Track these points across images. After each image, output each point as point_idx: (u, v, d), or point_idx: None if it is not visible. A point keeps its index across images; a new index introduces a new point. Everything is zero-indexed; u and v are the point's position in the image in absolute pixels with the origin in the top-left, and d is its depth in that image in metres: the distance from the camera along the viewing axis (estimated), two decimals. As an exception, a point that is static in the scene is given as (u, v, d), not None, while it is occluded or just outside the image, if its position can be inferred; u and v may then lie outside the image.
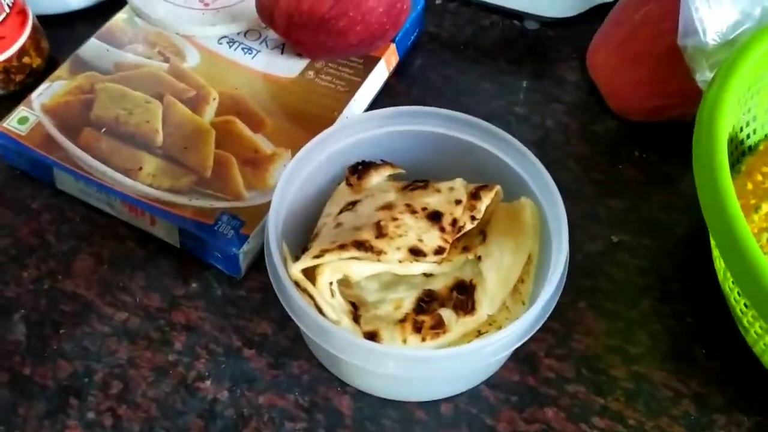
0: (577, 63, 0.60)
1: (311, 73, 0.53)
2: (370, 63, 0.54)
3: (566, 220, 0.41)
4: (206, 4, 0.56)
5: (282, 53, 0.55)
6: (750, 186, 0.43)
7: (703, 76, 0.46)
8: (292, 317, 0.38)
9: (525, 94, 0.59)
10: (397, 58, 0.57)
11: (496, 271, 0.41)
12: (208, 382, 0.43)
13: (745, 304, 0.40)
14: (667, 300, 0.48)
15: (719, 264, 0.42)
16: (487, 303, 0.40)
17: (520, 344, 0.39)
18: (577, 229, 0.51)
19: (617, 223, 0.51)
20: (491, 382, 0.45)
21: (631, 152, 0.55)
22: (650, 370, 0.45)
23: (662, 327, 0.47)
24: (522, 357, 0.46)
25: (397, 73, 0.59)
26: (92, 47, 0.54)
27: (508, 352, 0.40)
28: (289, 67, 0.54)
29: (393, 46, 0.56)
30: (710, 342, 0.46)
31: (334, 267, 0.39)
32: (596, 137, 0.56)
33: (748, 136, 0.46)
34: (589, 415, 0.44)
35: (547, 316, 0.40)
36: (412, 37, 0.59)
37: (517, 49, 0.61)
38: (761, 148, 0.44)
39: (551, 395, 0.44)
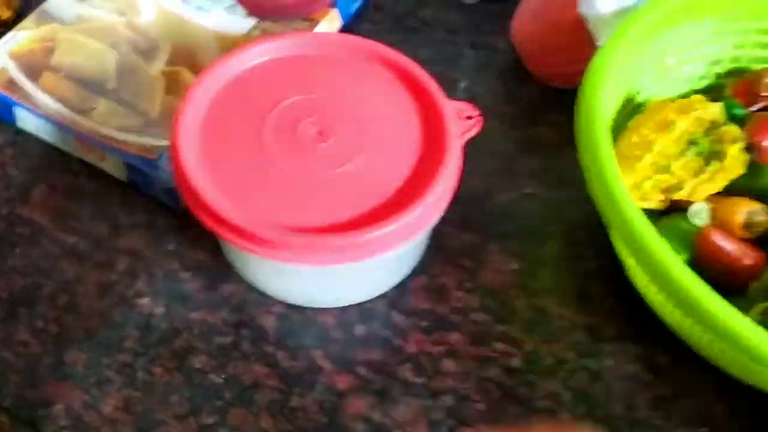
0: (508, 34, 0.65)
1: (257, 32, 0.58)
2: (313, 26, 0.59)
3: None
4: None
5: (232, 13, 0.59)
6: (635, 139, 0.48)
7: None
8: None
9: (459, 61, 0.63)
10: (340, 23, 0.62)
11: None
12: (146, 299, 0.48)
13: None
14: (572, 245, 0.53)
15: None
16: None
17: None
18: (494, 181, 0.56)
19: (532, 177, 0.56)
20: (403, 308, 0.49)
21: (549, 115, 0.60)
22: (549, 304, 0.50)
23: (565, 268, 0.52)
24: (434, 288, 0.50)
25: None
26: (57, 1, 0.59)
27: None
28: (239, 26, 0.58)
29: (336, 11, 0.61)
30: (607, 281, 0.51)
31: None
32: (520, 101, 0.61)
33: (640, 95, 0.52)
34: (489, 340, 0.49)
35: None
36: (356, 5, 0.64)
37: (456, 20, 0.66)
38: (649, 106, 0.50)
39: (457, 321, 0.49)
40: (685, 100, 0.49)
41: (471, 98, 0.61)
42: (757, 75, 0.52)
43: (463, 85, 0.62)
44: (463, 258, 0.52)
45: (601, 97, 0.45)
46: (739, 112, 0.50)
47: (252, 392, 0.46)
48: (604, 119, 0.44)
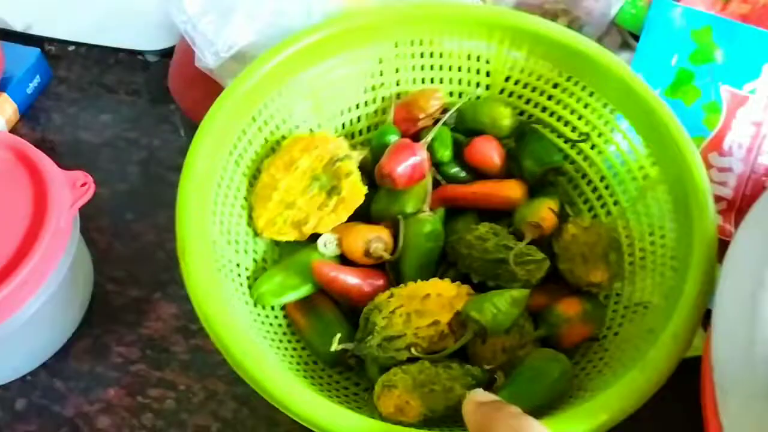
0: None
1: None
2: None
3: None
4: None
5: None
6: (266, 179, 0.49)
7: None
8: None
9: (139, 119, 0.66)
10: (13, 105, 0.64)
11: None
12: None
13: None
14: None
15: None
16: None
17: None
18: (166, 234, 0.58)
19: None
20: (64, 373, 0.51)
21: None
22: (206, 342, 0.53)
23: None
24: (96, 348, 0.53)
25: (25, 118, 0.66)
26: None
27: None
28: None
29: (5, 95, 0.63)
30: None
31: None
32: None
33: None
34: (145, 388, 0.51)
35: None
36: (31, 85, 0.66)
37: (137, 80, 0.69)
38: (281, 146, 0.51)
39: (116, 377, 0.51)
40: (308, 139, 0.51)
41: (148, 155, 0.63)
42: (413, 98, 0.54)
43: (144, 141, 0.64)
44: (128, 313, 0.55)
45: (198, 162, 0.46)
46: (392, 138, 0.52)
47: None
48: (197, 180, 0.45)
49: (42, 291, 0.47)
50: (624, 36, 0.61)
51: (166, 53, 0.69)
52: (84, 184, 0.50)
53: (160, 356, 0.52)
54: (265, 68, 0.50)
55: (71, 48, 0.71)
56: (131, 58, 0.71)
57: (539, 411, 0.39)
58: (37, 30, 0.71)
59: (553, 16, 0.60)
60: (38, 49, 0.68)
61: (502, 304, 0.44)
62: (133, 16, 0.69)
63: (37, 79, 0.67)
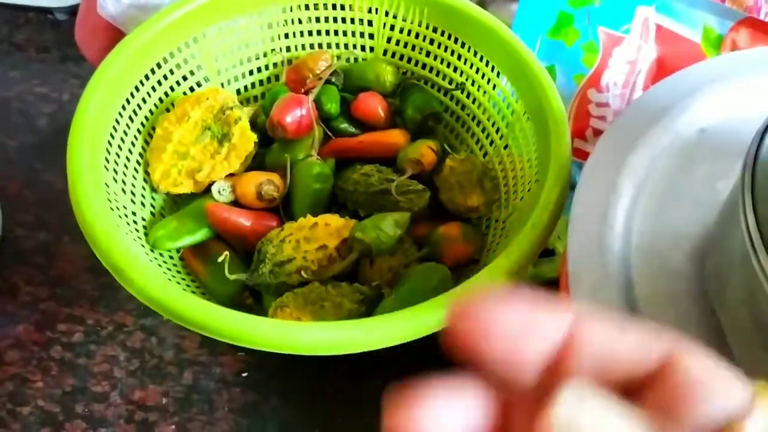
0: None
1: None
2: None
3: None
4: None
5: None
6: (159, 132, 0.52)
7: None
8: None
9: (48, 75, 0.67)
10: None
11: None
12: None
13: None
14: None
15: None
16: None
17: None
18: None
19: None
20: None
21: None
22: (114, 280, 0.55)
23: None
24: (5, 289, 0.54)
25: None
26: None
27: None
28: None
29: None
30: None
31: None
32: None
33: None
34: (54, 323, 0.53)
35: None
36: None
37: (48, 38, 0.70)
38: (175, 102, 0.54)
39: (24, 314, 0.53)
40: (199, 93, 0.54)
41: (57, 107, 0.65)
42: (302, 61, 0.57)
43: (51, 97, 0.66)
44: (37, 256, 0.56)
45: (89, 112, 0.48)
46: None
47: None
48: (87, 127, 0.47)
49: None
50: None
51: (76, 11, 0.71)
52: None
53: (69, 294, 0.54)
54: (160, 24, 0.53)
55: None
56: (41, 16, 0.72)
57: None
58: (-56, -11, 0.71)
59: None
60: (-55, 8, 0.68)
61: (385, 226, 0.47)
62: (41, -27, 0.70)
63: (-55, 36, 0.68)
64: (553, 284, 0.47)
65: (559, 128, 0.47)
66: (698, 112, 0.44)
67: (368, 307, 0.46)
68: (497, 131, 0.55)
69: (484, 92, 0.55)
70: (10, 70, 0.68)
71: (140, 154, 0.52)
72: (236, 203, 0.52)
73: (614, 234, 0.40)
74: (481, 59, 0.55)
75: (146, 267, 0.43)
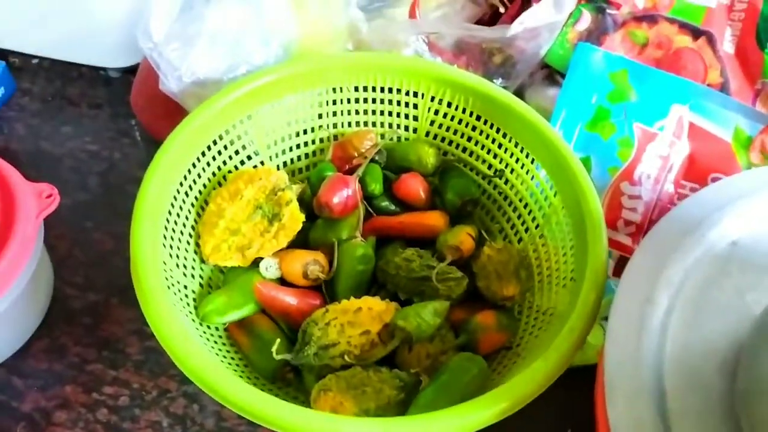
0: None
1: None
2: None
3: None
4: None
5: None
6: (212, 208, 0.55)
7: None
8: None
9: (100, 132, 0.70)
10: (-23, 116, 0.68)
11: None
12: None
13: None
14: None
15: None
16: None
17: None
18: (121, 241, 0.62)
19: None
20: (22, 371, 0.55)
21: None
22: (159, 344, 0.57)
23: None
24: (54, 348, 0.56)
25: (-10, 128, 0.69)
26: None
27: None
28: None
29: (-31, 107, 0.67)
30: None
31: None
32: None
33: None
34: (101, 386, 0.55)
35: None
36: (-5, 96, 0.70)
37: (99, 95, 0.73)
38: (228, 178, 0.57)
39: (72, 375, 0.55)
40: (252, 171, 0.56)
41: (108, 166, 0.67)
42: (348, 139, 0.60)
43: (105, 153, 0.68)
44: (85, 316, 0.58)
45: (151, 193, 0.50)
46: (329, 174, 0.57)
47: None
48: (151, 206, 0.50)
49: (6, 296, 0.51)
50: (552, 73, 0.67)
51: (128, 70, 0.73)
52: (49, 196, 0.54)
53: (115, 356, 0.56)
54: (219, 104, 0.56)
55: (35, 61, 0.75)
56: (93, 73, 0.74)
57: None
58: (1, 43, 0.74)
59: (490, 54, 0.66)
60: (3, 62, 0.71)
61: (425, 314, 0.49)
62: (97, 34, 0.73)
63: (1, 91, 0.70)
64: (579, 372, 0.48)
65: (596, 230, 0.49)
66: (729, 225, 0.46)
67: (407, 394, 0.48)
68: (533, 220, 0.57)
69: (522, 181, 0.58)
70: (62, 125, 0.70)
71: (192, 227, 0.55)
72: (281, 279, 0.55)
73: (649, 346, 0.42)
74: (521, 150, 0.57)
75: (200, 353, 0.45)
